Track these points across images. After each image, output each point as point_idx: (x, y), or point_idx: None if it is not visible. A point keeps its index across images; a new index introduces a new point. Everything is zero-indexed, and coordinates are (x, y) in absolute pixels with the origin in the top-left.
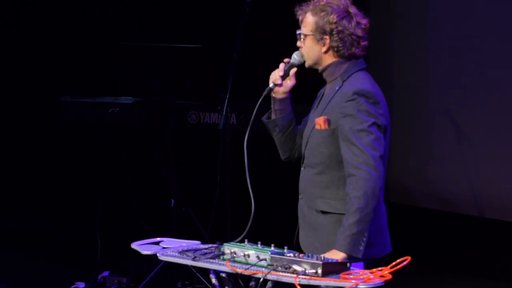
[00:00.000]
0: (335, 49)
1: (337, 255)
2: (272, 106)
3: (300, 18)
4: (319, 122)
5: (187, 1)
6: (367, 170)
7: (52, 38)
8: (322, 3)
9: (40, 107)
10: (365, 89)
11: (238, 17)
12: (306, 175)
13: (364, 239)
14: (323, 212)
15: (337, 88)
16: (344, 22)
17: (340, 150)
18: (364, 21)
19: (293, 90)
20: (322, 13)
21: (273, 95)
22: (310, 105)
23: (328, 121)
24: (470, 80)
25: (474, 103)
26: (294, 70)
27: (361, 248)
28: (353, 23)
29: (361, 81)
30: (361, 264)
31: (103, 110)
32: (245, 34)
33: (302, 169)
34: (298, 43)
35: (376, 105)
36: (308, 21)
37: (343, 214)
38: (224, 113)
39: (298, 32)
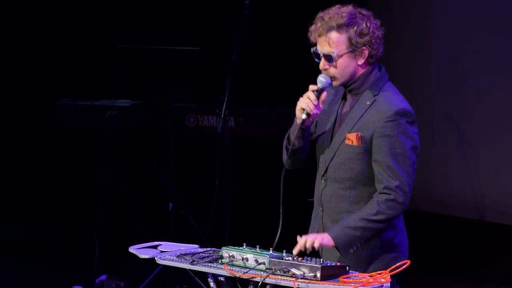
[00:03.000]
0: (372, 57)
1: (327, 241)
2: (296, 134)
3: (318, 39)
4: (351, 138)
5: (185, 4)
6: (402, 195)
7: (50, 41)
8: (342, 18)
9: (38, 110)
10: (405, 109)
11: (237, 20)
12: (329, 189)
13: (359, 245)
14: None
15: (368, 103)
16: (373, 27)
17: (373, 168)
18: (377, 20)
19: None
20: (352, 27)
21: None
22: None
23: (362, 139)
24: (472, 85)
25: (476, 108)
26: (324, 95)
27: (351, 250)
28: (376, 25)
29: (397, 97)
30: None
31: (101, 113)
32: (244, 37)
33: (322, 181)
34: (324, 65)
35: (413, 124)
36: (336, 39)
37: None
38: (222, 116)
39: (323, 53)
